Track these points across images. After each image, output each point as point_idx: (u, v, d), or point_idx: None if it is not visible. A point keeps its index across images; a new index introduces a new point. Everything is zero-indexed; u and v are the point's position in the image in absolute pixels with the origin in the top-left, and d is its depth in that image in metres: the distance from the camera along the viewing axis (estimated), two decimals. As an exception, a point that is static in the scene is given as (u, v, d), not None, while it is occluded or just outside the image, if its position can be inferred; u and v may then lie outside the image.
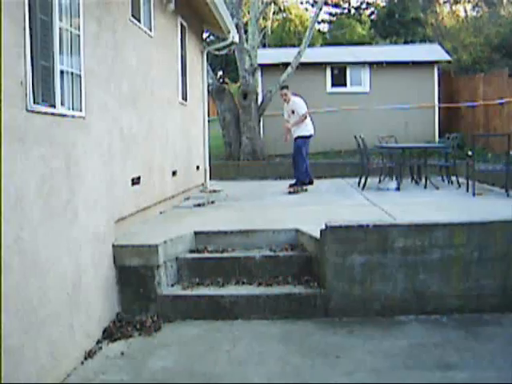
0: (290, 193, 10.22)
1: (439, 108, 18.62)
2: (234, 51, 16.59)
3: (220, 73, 33.81)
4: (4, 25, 3.54)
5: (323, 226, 5.59)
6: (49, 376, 4.03)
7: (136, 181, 6.40)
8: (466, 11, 32.80)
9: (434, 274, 5.55)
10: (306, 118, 10.48)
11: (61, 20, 4.51)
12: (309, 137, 10.62)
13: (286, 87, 10.76)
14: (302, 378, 4.26)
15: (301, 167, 10.49)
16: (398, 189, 10.16)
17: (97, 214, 5.11)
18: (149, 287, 5.49)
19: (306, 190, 10.45)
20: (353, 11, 37.92)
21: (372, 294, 5.52)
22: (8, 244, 3.48)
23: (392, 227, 5.59)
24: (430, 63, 18.52)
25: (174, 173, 8.47)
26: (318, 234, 5.69)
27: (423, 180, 10.76)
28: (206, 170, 11.67)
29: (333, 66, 18.73)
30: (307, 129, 10.57)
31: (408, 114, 17.81)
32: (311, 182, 10.79)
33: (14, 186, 3.59)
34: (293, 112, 10.59)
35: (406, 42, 29.32)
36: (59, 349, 4.24)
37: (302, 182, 10.51)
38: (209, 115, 12.38)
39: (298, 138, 10.54)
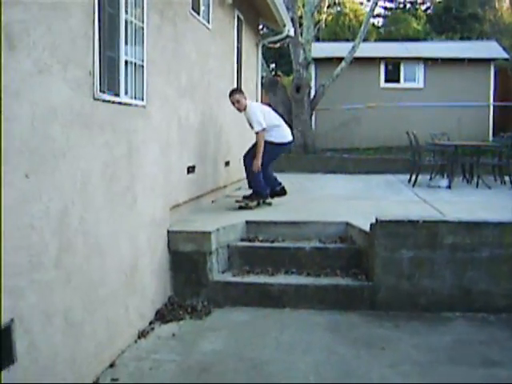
0: (240, 207, 7.43)
1: (494, 106, 18.33)
2: (287, 44, 16.68)
3: (272, 65, 33.87)
4: (76, 18, 3.73)
5: (373, 220, 5.66)
6: (105, 352, 4.24)
7: (191, 170, 6.59)
8: (526, 7, 32.07)
9: (482, 272, 5.56)
10: (262, 137, 7.37)
11: (126, 12, 4.70)
12: (281, 144, 7.69)
13: (239, 90, 7.77)
14: (348, 367, 4.36)
15: (255, 176, 7.53)
16: (449, 187, 10.11)
17: (154, 200, 5.31)
18: (200, 273, 5.67)
19: (269, 204, 7.83)
20: (408, 6, 37.45)
21: (419, 289, 5.58)
22: (74, 225, 3.69)
23: (442, 224, 5.63)
24: (487, 60, 18.26)
25: (226, 163, 8.65)
26: (367, 228, 5.78)
27: (475, 179, 10.65)
28: (257, 162, 11.78)
29: (387, 61, 18.65)
30: (283, 134, 7.68)
31: (462, 112, 17.59)
32: (279, 194, 8.01)
33: (81, 171, 3.78)
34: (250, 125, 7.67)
35: (462, 38, 28.83)
36: (115, 327, 4.45)
37: (259, 194, 7.61)
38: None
39: (268, 142, 7.47)
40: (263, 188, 7.61)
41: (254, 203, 7.54)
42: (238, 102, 7.48)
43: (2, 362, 2.93)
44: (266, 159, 7.47)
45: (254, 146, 7.50)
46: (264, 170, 7.51)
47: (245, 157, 7.67)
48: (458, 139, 14.09)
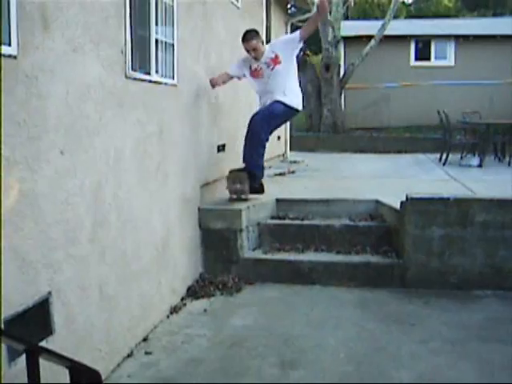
0: (231, 199, 6.11)
1: (528, 84, 17.99)
2: (316, 23, 16.53)
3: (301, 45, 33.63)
4: (108, -4, 3.78)
5: (403, 198, 5.65)
6: (138, 325, 4.33)
7: (221, 148, 6.62)
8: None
9: (514, 250, 5.53)
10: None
11: (157, -9, 4.73)
12: (295, 111, 6.21)
13: (255, 33, 6.03)
14: (378, 343, 4.39)
15: (257, 148, 5.96)
16: (480, 165, 10.01)
17: (185, 178, 5.36)
18: (231, 250, 5.74)
19: (245, 200, 6.11)
20: (440, -18, 36.78)
21: (450, 267, 5.56)
22: (107, 201, 3.76)
23: (473, 201, 5.59)
24: (520, 37, 17.88)
25: (255, 142, 8.65)
26: (398, 206, 5.77)
27: (507, 158, 10.52)
28: (286, 141, 11.80)
29: (417, 39, 18.39)
30: (299, 101, 6.18)
31: (494, 90, 17.30)
32: (257, 191, 6.26)
33: (114, 148, 3.84)
34: (275, 59, 5.94)
35: (494, 15, 28.27)
36: (148, 302, 4.53)
37: (253, 174, 6.05)
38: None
39: (283, 104, 5.99)
40: (260, 168, 6.08)
41: (247, 193, 6.06)
42: (255, 50, 5.92)
43: (41, 333, 3.02)
44: (277, 123, 6.17)
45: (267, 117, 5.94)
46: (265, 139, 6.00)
47: (253, 117, 5.99)
48: (490, 117, 13.87)
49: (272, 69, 5.94)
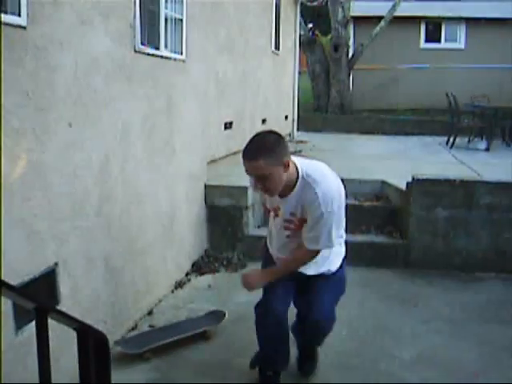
0: None
1: (538, 69, 17.84)
2: (326, 3, 16.41)
3: (310, 25, 33.39)
4: (118, -32, 3.76)
5: (409, 179, 5.65)
6: (143, 299, 4.37)
7: (228, 125, 6.63)
8: None
9: (518, 233, 5.54)
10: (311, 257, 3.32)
11: (167, -34, 4.70)
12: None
13: (273, 140, 2.85)
14: (380, 322, 4.43)
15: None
16: (487, 149, 9.98)
17: (191, 154, 5.37)
18: (236, 227, 5.76)
19: None
20: (453, -36, 36.34)
21: (454, 249, 5.58)
22: (114, 175, 3.78)
23: (479, 184, 5.58)
24: (532, 21, 17.69)
25: (263, 120, 8.65)
26: (403, 186, 5.77)
27: (515, 142, 10.50)
28: (293, 121, 11.78)
29: (427, 20, 18.22)
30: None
31: (504, 74, 17.16)
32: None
33: (122, 122, 3.85)
34: (302, 219, 3.13)
35: (507, -2, 27.94)
36: (153, 276, 4.57)
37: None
38: (299, 67, 12.37)
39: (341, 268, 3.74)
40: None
41: None
42: (264, 179, 2.88)
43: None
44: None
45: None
46: None
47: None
48: (499, 102, 13.79)
49: (283, 225, 3.32)
